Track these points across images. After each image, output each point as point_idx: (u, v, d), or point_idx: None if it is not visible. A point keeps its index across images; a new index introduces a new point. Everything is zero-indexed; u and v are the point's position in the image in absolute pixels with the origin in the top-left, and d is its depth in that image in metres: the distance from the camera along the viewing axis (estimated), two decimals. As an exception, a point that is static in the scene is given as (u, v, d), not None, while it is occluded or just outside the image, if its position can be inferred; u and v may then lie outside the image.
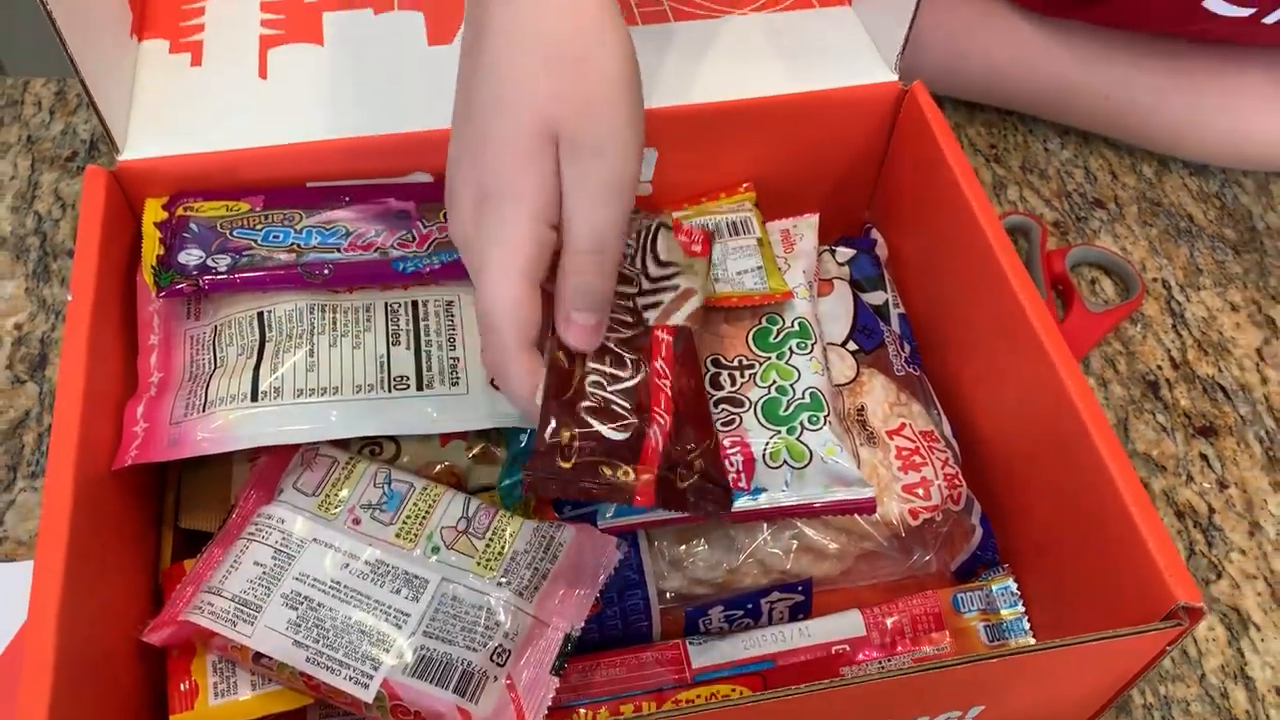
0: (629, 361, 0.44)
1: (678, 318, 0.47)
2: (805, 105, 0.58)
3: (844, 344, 0.56)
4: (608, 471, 0.41)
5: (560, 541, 0.47)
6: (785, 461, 0.49)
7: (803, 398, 0.51)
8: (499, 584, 0.45)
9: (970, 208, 0.53)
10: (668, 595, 0.51)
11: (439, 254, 0.52)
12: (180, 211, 0.52)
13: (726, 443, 0.50)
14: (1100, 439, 0.45)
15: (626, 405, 0.43)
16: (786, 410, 0.50)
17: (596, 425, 0.42)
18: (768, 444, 0.49)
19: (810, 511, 0.49)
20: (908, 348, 0.58)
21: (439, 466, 0.51)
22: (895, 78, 0.59)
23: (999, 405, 0.54)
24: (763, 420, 0.50)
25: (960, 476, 0.53)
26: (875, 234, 0.63)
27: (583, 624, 0.45)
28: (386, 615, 0.44)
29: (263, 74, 0.57)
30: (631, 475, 0.41)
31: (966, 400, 0.56)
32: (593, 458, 0.41)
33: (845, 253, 0.61)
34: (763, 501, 0.49)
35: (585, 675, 0.48)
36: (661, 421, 0.43)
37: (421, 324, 0.50)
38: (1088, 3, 0.70)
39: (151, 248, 0.51)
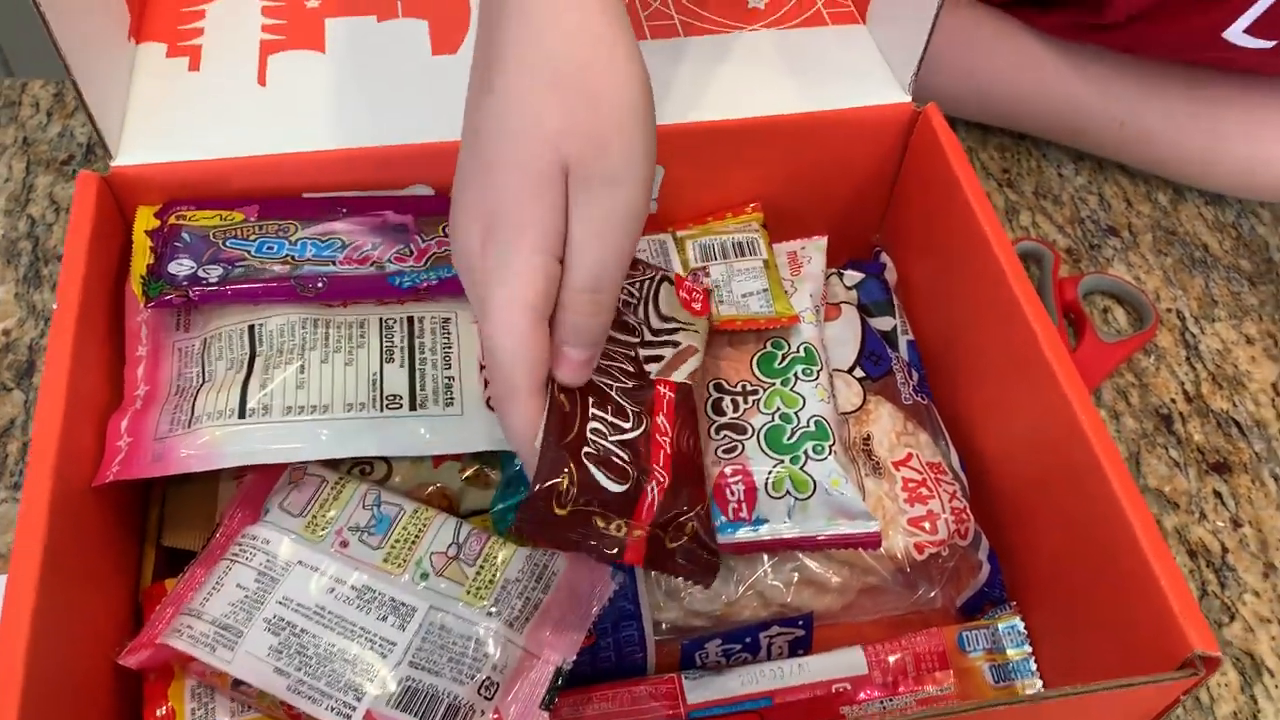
0: (631, 413, 0.43)
1: (679, 374, 0.46)
2: (816, 125, 0.57)
3: (850, 370, 0.55)
4: (601, 524, 0.40)
5: (553, 570, 0.45)
6: (788, 492, 0.48)
7: (807, 426, 0.49)
8: (489, 613, 0.44)
9: (983, 232, 0.52)
10: (663, 627, 0.49)
11: (436, 269, 0.50)
12: (173, 220, 0.51)
13: (728, 471, 0.48)
14: (1113, 473, 0.44)
15: (626, 458, 0.42)
16: (790, 438, 0.49)
17: (596, 474, 0.41)
18: (770, 473, 0.48)
19: (813, 545, 0.48)
20: (916, 375, 0.57)
21: (431, 488, 0.50)
22: (908, 99, 0.57)
23: (1009, 436, 0.52)
24: (766, 448, 0.49)
25: (968, 510, 0.52)
26: (885, 258, 0.61)
27: (574, 657, 0.44)
28: (372, 643, 0.43)
29: (262, 80, 0.56)
30: (624, 530, 0.40)
31: (976, 430, 0.55)
32: (588, 508, 0.40)
33: (854, 276, 0.59)
34: (764, 533, 0.47)
35: (576, 709, 0.46)
36: (660, 479, 0.42)
37: (416, 341, 0.49)
38: (1103, 28, 0.69)
39: (142, 256, 0.49)
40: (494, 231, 0.40)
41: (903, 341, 0.58)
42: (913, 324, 0.60)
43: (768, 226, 0.59)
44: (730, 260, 0.55)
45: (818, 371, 0.51)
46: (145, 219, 0.51)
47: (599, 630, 0.47)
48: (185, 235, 0.50)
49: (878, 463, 0.52)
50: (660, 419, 0.44)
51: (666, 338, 0.47)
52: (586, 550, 0.40)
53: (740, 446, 0.49)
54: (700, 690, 0.47)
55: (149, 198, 0.52)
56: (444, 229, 0.52)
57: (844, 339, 0.56)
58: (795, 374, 0.51)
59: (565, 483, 0.39)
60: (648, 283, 0.49)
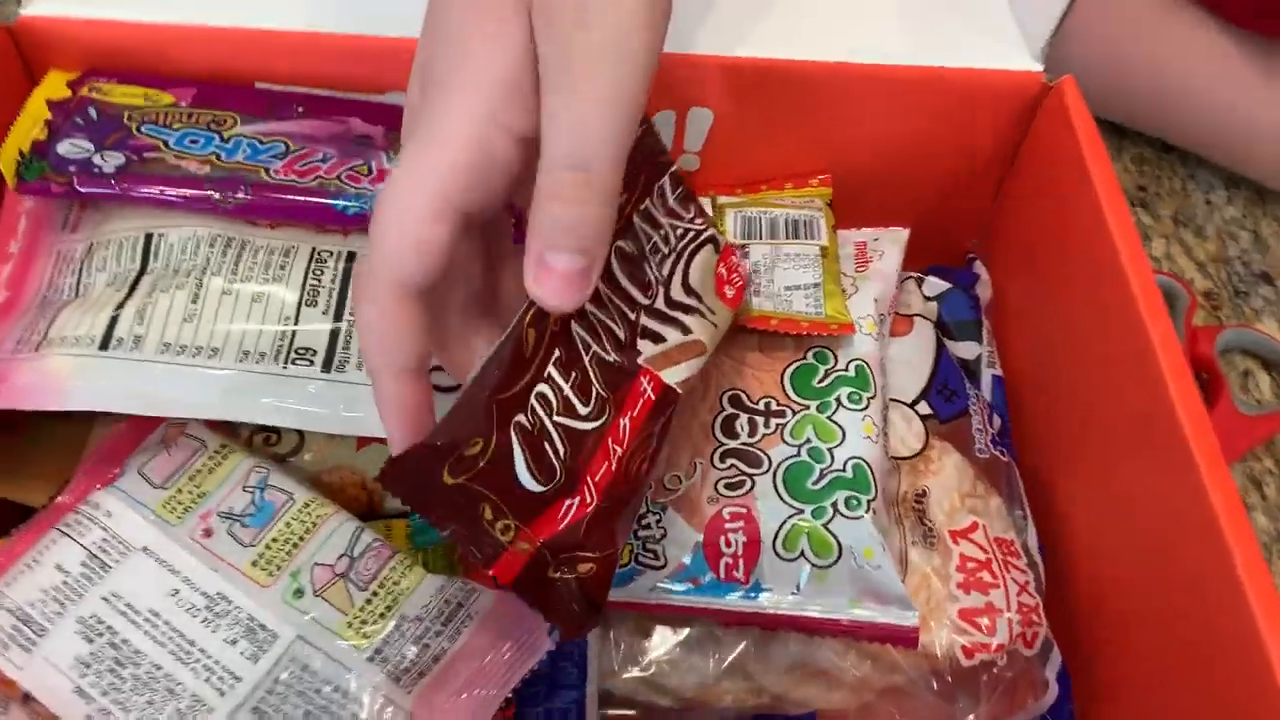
0: (595, 396, 0.31)
1: (672, 374, 0.34)
2: (914, 83, 0.44)
3: (914, 404, 0.42)
4: (488, 515, 0.28)
5: (471, 613, 0.34)
6: (803, 553, 0.36)
7: (843, 469, 0.37)
8: (370, 659, 0.32)
9: (1115, 252, 0.39)
10: (614, 697, 0.38)
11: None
12: (85, 91, 0.41)
13: (727, 513, 0.36)
14: (1254, 589, 0.31)
15: (562, 452, 0.30)
16: (818, 483, 0.37)
17: (517, 453, 0.29)
18: (784, 525, 0.36)
19: (827, 629, 0.36)
20: (998, 422, 0.44)
21: (346, 475, 0.39)
22: (1039, 67, 0.44)
23: (1113, 519, 0.39)
24: (783, 491, 0.37)
25: (1041, 611, 0.39)
26: (980, 268, 0.49)
27: (478, 734, 0.32)
28: (210, 674, 0.32)
29: (233, -61, 0.45)
30: (510, 535, 0.29)
31: (1067, 505, 0.42)
32: (484, 489, 0.28)
33: (936, 285, 0.47)
34: (762, 604, 0.36)
35: (474, 801, 0.35)
36: (586, 498, 0.30)
37: (351, 285, 0.38)
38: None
39: (29, 128, 0.39)
40: (427, 87, 0.28)
41: (987, 376, 0.46)
42: (1003, 356, 0.47)
43: (835, 207, 0.46)
44: (779, 241, 0.43)
45: (868, 399, 0.39)
46: (54, 86, 0.41)
47: (526, 697, 0.36)
48: (92, 111, 0.40)
49: (931, 529, 0.40)
50: (624, 422, 0.32)
51: (679, 316, 0.35)
52: (456, 538, 0.28)
53: (749, 483, 0.37)
54: (648, 795, 0.36)
55: (65, 61, 0.42)
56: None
57: (912, 363, 0.43)
58: (838, 398, 0.39)
59: (474, 450, 0.28)
60: (691, 236, 0.36)
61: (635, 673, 0.37)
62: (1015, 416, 0.46)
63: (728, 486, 0.37)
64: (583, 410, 0.30)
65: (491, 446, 0.28)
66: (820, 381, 0.39)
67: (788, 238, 0.43)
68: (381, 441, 0.38)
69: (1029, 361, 0.46)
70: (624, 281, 0.33)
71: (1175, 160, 0.65)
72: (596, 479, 0.30)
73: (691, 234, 0.37)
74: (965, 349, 0.46)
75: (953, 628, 0.38)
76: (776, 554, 0.36)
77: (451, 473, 0.27)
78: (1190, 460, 0.34)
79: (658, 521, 0.37)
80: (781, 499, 0.36)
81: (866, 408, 0.39)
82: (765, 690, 0.38)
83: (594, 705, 0.36)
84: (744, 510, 0.36)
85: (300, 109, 0.42)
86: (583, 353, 0.31)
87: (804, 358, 0.40)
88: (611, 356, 0.32)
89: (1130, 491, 0.38)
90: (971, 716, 0.39)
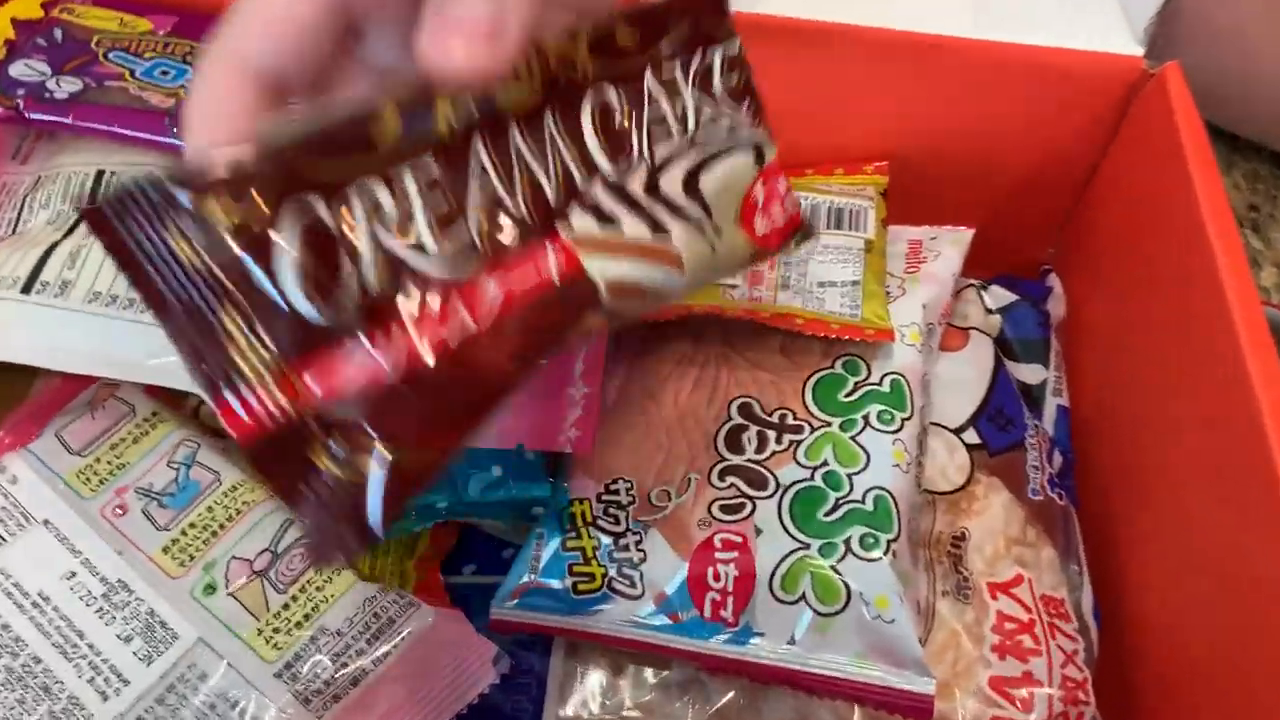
0: (463, 242, 0.22)
1: (603, 267, 0.24)
2: (992, 60, 0.38)
3: (960, 431, 0.36)
4: (229, 325, 0.20)
5: (402, 631, 0.29)
6: (805, 597, 0.30)
7: (862, 501, 0.31)
8: (278, 675, 0.28)
9: (1218, 277, 0.32)
10: (578, 744, 0.32)
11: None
12: (56, 11, 0.37)
13: (718, 541, 0.31)
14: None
15: (368, 279, 0.21)
16: (831, 514, 0.31)
17: (282, 244, 0.20)
18: (785, 561, 0.30)
19: (826, 688, 0.30)
20: (1059, 461, 0.38)
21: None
22: (1140, 51, 0.38)
23: (1189, 585, 0.33)
24: (788, 520, 0.31)
25: (1089, 689, 0.33)
26: (1054, 281, 0.42)
27: (396, 777, 0.28)
28: (95, 674, 0.27)
29: None
30: (261, 370, 0.20)
31: (1134, 564, 0.36)
32: (229, 280, 0.20)
33: (1002, 295, 0.40)
34: (752, 651, 0.30)
35: None
36: (391, 358, 0.21)
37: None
38: None
39: (-16, 46, 0.35)
40: None
41: (1051, 405, 0.39)
42: (1074, 384, 0.41)
43: (891, 199, 0.40)
44: (820, 231, 0.38)
45: (903, 420, 0.33)
46: (27, 3, 0.37)
47: (469, 732, 0.31)
48: (57, 33, 0.36)
49: (967, 579, 0.34)
50: (492, 287, 0.22)
51: (658, 211, 0.25)
52: (174, 337, 0.20)
53: (749, 507, 0.31)
54: None
55: (43, -20, 0.38)
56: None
57: (963, 382, 0.37)
58: (866, 416, 0.33)
59: (256, 209, 0.20)
60: (728, 132, 0.27)
61: (604, 716, 0.32)
62: (1081, 455, 0.39)
63: (724, 509, 0.31)
64: (430, 245, 0.21)
65: (256, 216, 0.19)
66: (848, 395, 0.34)
67: (829, 227, 0.38)
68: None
69: (1103, 393, 0.40)
70: (588, 136, 0.24)
71: None
72: (420, 340, 0.21)
73: (728, 130, 0.27)
74: (1029, 372, 0.39)
75: (981, 698, 0.32)
76: (773, 594, 0.30)
77: (183, 228, 0.19)
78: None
79: (638, 543, 0.31)
80: (786, 529, 0.31)
81: (899, 430, 0.33)
82: (752, 749, 0.33)
83: (548, 748, 0.31)
84: (740, 539, 0.31)
85: (289, 46, 0.37)
86: (472, 183, 0.22)
87: (832, 366, 0.34)
88: (519, 210, 0.23)
89: (1214, 554, 0.31)
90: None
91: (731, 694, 0.32)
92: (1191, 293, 0.33)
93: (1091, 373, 0.40)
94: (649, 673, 0.32)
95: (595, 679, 0.32)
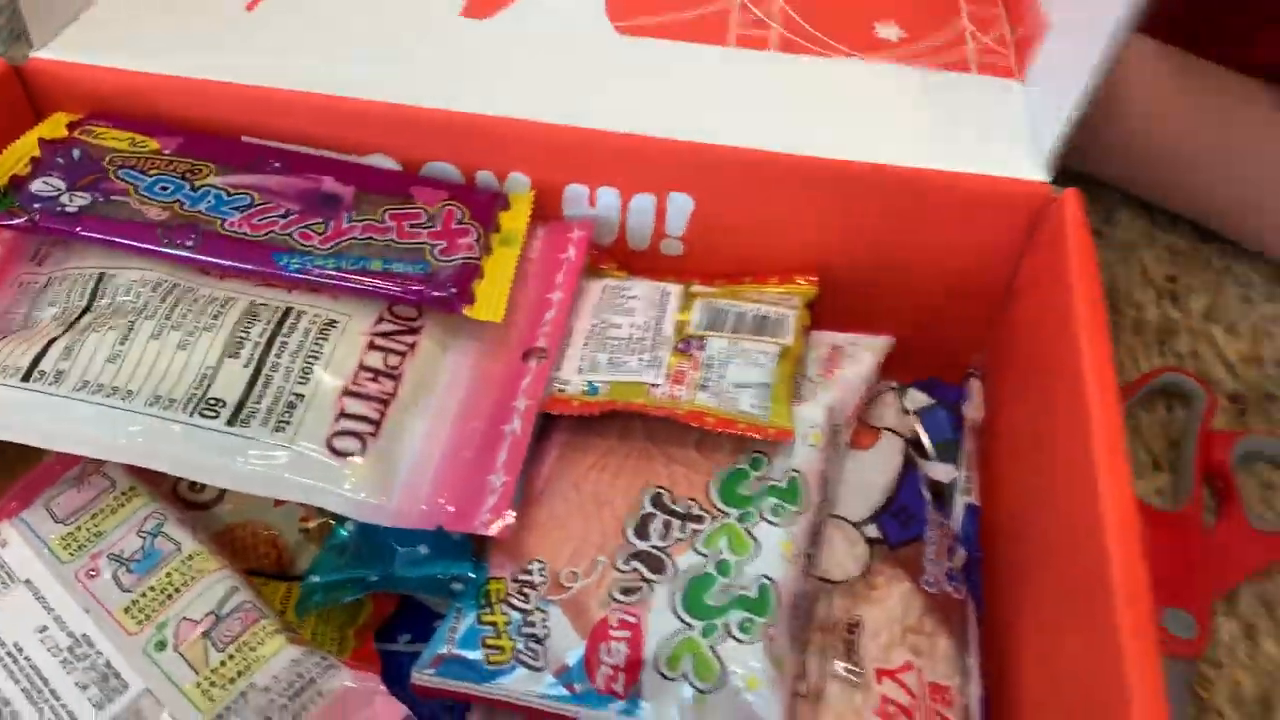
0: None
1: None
2: (915, 186, 0.42)
3: (862, 525, 0.39)
4: None
5: (319, 691, 0.32)
6: (685, 674, 0.33)
7: (747, 588, 0.34)
8: (209, 726, 0.32)
9: (1080, 370, 0.35)
10: (491, 803, 0.36)
11: (341, 258, 0.39)
12: (78, 133, 0.42)
13: (614, 620, 0.34)
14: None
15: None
16: (717, 599, 0.34)
17: None
18: (670, 641, 0.33)
19: (702, 759, 0.33)
20: (961, 556, 0.40)
21: (259, 531, 0.38)
22: (1046, 177, 0.41)
23: (1047, 681, 0.35)
24: (679, 605, 0.34)
25: (962, 772, 0.35)
26: (973, 386, 0.45)
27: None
28: (55, 716, 0.31)
29: (251, 3, 0.47)
30: None
31: (1013, 667, 0.38)
32: None
33: (919, 398, 0.44)
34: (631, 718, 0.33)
35: None
36: None
37: (280, 339, 0.37)
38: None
39: (12, 162, 0.41)
40: None
41: (960, 504, 0.42)
42: (989, 487, 0.43)
43: (822, 309, 0.44)
44: (740, 335, 0.41)
45: (795, 514, 0.36)
46: (54, 126, 0.43)
47: (385, 786, 0.34)
48: (75, 152, 0.41)
49: (857, 663, 0.37)
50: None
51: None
52: None
53: (647, 590, 0.35)
54: None
55: (72, 104, 0.44)
56: (387, 213, 0.41)
57: (869, 479, 0.40)
58: (762, 510, 0.36)
59: None
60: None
61: (512, 776, 0.35)
62: (990, 555, 0.42)
63: (624, 591, 0.35)
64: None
65: None
66: (749, 489, 0.37)
67: (752, 334, 0.41)
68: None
69: (1010, 497, 0.42)
70: None
71: (1214, 253, 0.59)
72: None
73: None
74: (941, 471, 0.42)
75: (862, 777, 0.35)
76: (658, 671, 0.33)
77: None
78: (1111, 613, 0.30)
79: (544, 620, 0.35)
80: (675, 612, 0.34)
81: (791, 524, 0.36)
82: (652, 816, 0.35)
83: (458, 805, 0.34)
84: (634, 619, 0.34)
85: (277, 164, 0.42)
86: None
87: (738, 462, 0.38)
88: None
89: (1064, 644, 0.34)
90: None
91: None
92: (1063, 384, 0.36)
93: (1004, 477, 0.43)
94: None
95: (505, 740, 0.35)
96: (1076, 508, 0.34)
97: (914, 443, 0.43)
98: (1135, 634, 0.29)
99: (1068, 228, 0.39)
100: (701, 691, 0.33)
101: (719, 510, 0.37)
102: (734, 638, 0.33)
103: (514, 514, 0.35)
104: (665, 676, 0.33)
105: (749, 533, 0.36)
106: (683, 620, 0.34)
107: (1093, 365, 0.35)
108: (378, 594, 0.38)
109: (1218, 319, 0.57)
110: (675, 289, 0.43)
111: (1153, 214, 0.61)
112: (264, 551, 0.38)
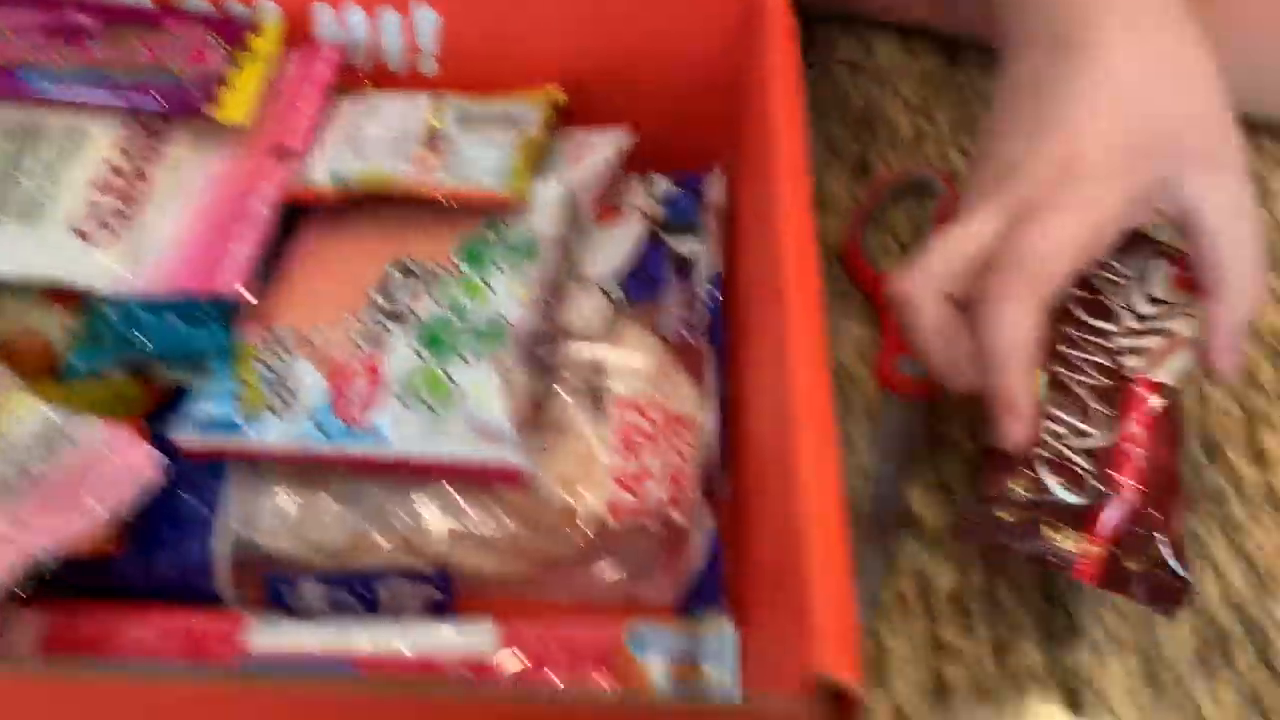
0: (1099, 416, 0.40)
1: (1165, 373, 0.41)
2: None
3: (605, 284, 0.43)
4: (1051, 534, 0.37)
5: (72, 440, 0.35)
6: (422, 398, 0.36)
7: (480, 324, 0.38)
8: (-35, 474, 0.34)
9: (776, 144, 0.39)
10: (263, 552, 0.38)
11: (91, 72, 0.41)
12: None
13: (357, 366, 0.37)
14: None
15: (1089, 468, 0.39)
16: (452, 337, 0.37)
17: (1049, 481, 0.38)
18: (407, 374, 0.36)
19: (440, 470, 0.36)
20: (705, 316, 0.44)
21: (29, 338, 0.40)
22: (751, -28, 0.45)
23: (752, 415, 0.39)
24: (418, 344, 0.37)
25: (694, 481, 0.39)
26: (717, 175, 0.49)
27: (63, 547, 0.33)
28: None
29: None
30: (1074, 544, 0.37)
31: (742, 407, 0.42)
32: (1037, 514, 0.38)
33: (662, 184, 0.47)
34: (383, 448, 0.36)
35: (74, 627, 0.35)
36: (1128, 497, 0.38)
37: (29, 151, 0.39)
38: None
39: None
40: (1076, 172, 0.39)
41: (705, 272, 0.46)
42: (734, 263, 0.47)
43: (566, 114, 0.47)
44: (485, 125, 0.44)
45: (531, 269, 0.39)
46: None
47: (152, 539, 0.36)
48: None
49: (599, 396, 0.40)
50: (1134, 426, 0.39)
51: (1155, 325, 0.42)
52: (1034, 559, 0.38)
53: (388, 336, 0.38)
54: (268, 635, 0.36)
55: None
56: (137, 39, 0.43)
57: (610, 248, 0.44)
58: (499, 263, 0.40)
59: (1018, 486, 0.38)
60: (1140, 262, 0.43)
61: (279, 525, 0.38)
62: (731, 313, 0.45)
63: (366, 339, 0.38)
64: (1091, 431, 0.39)
65: (1025, 481, 0.38)
66: (487, 249, 0.40)
67: (496, 126, 0.44)
68: (61, 300, 0.39)
69: (746, 271, 0.46)
70: (1092, 320, 0.42)
71: (961, 74, 0.64)
72: (1130, 477, 0.38)
73: (1137, 261, 0.43)
74: (684, 244, 0.46)
75: (605, 490, 0.38)
76: (399, 399, 0.36)
77: (1006, 510, 0.38)
78: (784, 356, 0.33)
79: (291, 372, 0.37)
80: (414, 350, 0.37)
81: (527, 276, 0.39)
82: (420, 551, 0.38)
83: (225, 551, 0.37)
84: (371, 359, 0.37)
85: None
86: (1074, 387, 0.40)
87: (478, 228, 0.41)
88: (1100, 382, 0.40)
89: (764, 379, 0.38)
90: (616, 576, 0.39)
91: (393, 501, 0.38)
92: (768, 164, 0.40)
93: (742, 253, 0.47)
94: (313, 483, 0.38)
95: (265, 492, 0.38)
96: (768, 269, 0.37)
97: (660, 223, 0.46)
98: (803, 356, 0.33)
99: (765, 20, 0.43)
100: (435, 410, 0.36)
101: (460, 271, 0.40)
102: (464, 360, 0.36)
103: (258, 280, 0.38)
104: (405, 405, 0.36)
105: (485, 282, 0.39)
106: (420, 357, 0.37)
107: (787, 125, 0.39)
108: (148, 389, 0.40)
109: (963, 129, 0.62)
110: (425, 96, 0.46)
111: (910, 44, 0.65)
112: (30, 353, 0.40)
